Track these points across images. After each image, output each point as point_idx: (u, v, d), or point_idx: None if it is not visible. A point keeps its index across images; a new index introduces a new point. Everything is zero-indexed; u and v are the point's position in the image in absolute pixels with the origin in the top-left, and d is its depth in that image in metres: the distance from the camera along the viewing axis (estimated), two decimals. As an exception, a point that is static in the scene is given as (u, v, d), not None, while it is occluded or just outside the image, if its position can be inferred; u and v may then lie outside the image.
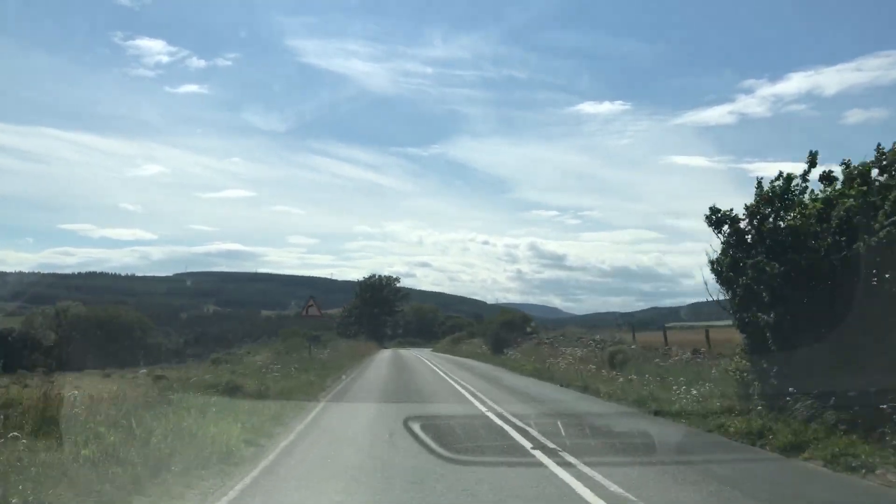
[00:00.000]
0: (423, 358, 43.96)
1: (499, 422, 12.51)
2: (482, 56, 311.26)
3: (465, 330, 77.05)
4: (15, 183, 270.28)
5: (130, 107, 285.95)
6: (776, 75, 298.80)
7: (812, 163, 11.93)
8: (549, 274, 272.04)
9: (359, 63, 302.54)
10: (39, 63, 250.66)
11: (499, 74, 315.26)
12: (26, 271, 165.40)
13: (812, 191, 11.79)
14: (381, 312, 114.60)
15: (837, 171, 11.38)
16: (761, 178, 12.21)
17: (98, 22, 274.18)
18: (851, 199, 10.41)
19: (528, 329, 45.82)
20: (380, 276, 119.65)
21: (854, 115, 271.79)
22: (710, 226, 12.62)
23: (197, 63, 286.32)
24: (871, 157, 10.73)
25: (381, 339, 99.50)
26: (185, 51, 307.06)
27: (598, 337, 31.46)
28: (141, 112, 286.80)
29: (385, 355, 51.09)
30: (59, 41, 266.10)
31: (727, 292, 12.46)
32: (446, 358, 45.32)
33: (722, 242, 12.57)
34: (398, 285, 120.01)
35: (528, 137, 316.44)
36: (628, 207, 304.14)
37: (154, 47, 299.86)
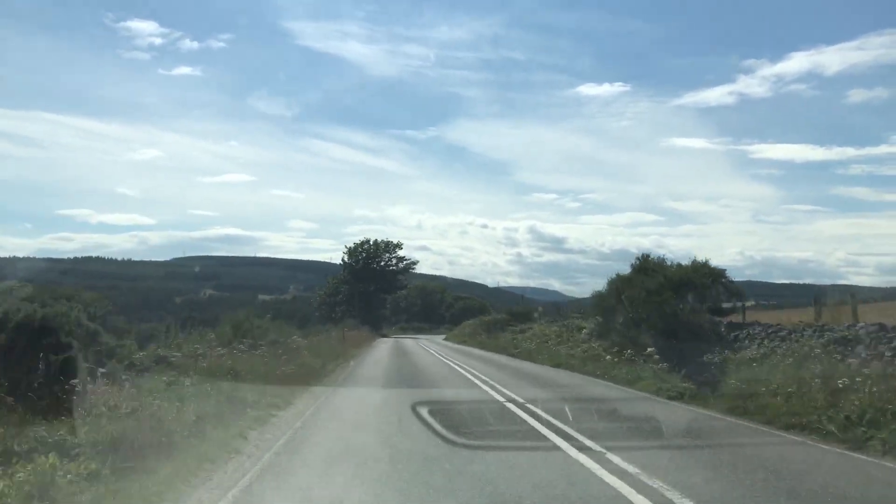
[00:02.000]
0: (486, 380, 18.21)
1: None
2: (481, 37, 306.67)
3: (501, 312, 53.06)
4: (12, 168, 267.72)
5: (125, 90, 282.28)
6: (777, 55, 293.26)
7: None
8: (548, 257, 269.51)
9: (357, 45, 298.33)
10: (33, 46, 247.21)
11: (498, 56, 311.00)
12: (20, 256, 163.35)
13: None
14: (379, 290, 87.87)
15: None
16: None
17: (89, 3, 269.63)
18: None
19: (726, 307, 20.66)
20: (376, 241, 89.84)
21: (856, 95, 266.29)
22: None
23: (190, 45, 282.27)
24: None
25: (379, 324, 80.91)
26: (177, 32, 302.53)
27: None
28: (136, 95, 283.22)
29: (381, 356, 31.25)
30: (52, 24, 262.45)
31: None
32: (531, 376, 19.91)
33: None
34: (400, 253, 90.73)
35: (528, 120, 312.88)
36: (628, 190, 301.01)
37: (146, 29, 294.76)
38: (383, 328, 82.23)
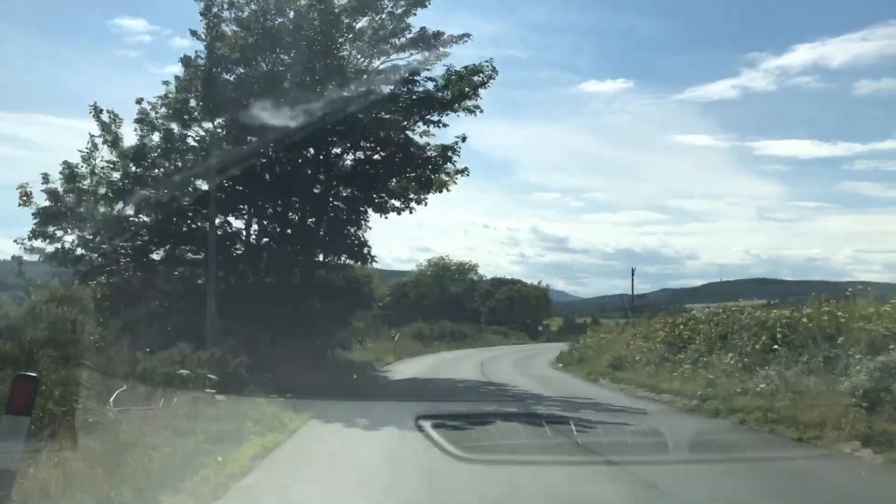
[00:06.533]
0: None
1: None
2: (481, 35, 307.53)
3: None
4: (14, 171, 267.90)
5: (119, 90, 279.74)
6: (780, 47, 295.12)
7: None
8: (551, 257, 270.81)
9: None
10: (27, 47, 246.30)
11: (499, 54, 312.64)
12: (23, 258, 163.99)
13: None
14: (357, 187, 24.76)
15: None
16: None
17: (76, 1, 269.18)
18: None
19: None
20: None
21: (863, 87, 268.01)
22: None
23: (180, 42, 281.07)
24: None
25: (343, 331, 27.41)
26: (167, 29, 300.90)
27: None
28: (130, 95, 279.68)
29: None
30: (46, 24, 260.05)
31: None
32: None
33: None
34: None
35: (530, 118, 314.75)
36: (631, 188, 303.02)
37: (135, 27, 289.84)
38: (369, 333, 37.30)
